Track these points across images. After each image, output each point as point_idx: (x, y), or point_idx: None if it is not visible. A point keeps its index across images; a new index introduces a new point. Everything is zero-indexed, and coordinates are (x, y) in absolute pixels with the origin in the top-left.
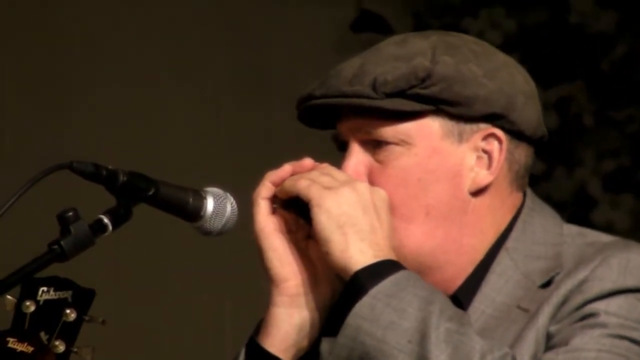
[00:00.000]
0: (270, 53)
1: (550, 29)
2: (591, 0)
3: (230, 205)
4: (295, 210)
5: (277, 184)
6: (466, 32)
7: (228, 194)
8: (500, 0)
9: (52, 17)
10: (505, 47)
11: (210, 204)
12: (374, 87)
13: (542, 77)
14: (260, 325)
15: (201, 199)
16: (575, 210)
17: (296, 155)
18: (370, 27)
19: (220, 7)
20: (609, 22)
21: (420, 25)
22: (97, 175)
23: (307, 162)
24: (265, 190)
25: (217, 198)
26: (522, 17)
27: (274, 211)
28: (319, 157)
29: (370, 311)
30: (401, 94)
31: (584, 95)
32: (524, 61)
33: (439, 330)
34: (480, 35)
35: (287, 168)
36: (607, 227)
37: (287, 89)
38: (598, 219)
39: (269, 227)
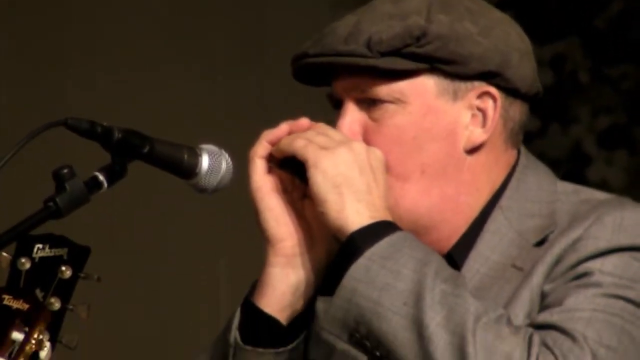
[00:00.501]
0: (265, 12)
1: None
2: None
3: (225, 162)
4: (291, 170)
5: (274, 143)
6: None
7: (223, 151)
8: None
9: None
10: (500, 4)
11: (205, 161)
12: (368, 46)
13: (537, 34)
14: (255, 285)
15: (196, 156)
16: (570, 167)
17: (291, 116)
18: None
19: None
20: None
21: None
22: (92, 132)
23: (304, 121)
24: (261, 149)
25: (212, 155)
26: None
27: (270, 170)
28: (314, 118)
29: (365, 273)
30: (396, 52)
31: (579, 52)
32: (518, 18)
33: (434, 292)
34: None
35: (284, 127)
36: (601, 184)
37: (282, 49)
38: (593, 176)
39: (265, 186)
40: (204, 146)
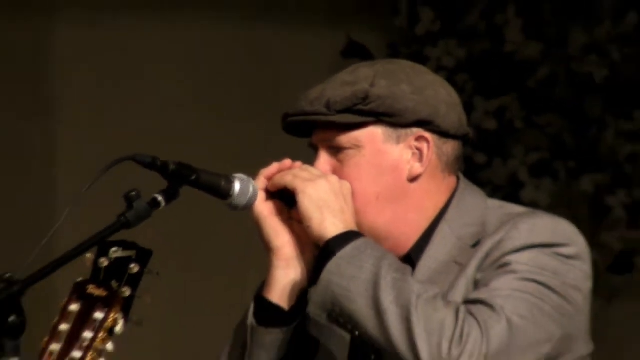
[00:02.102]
0: (277, 74)
1: (490, 56)
2: (521, 33)
3: (252, 187)
4: (281, 199)
5: (269, 177)
6: (428, 58)
7: (250, 179)
8: (454, 34)
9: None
10: (457, 69)
11: (237, 186)
12: (327, 106)
13: (484, 91)
14: (263, 284)
15: (230, 182)
16: (509, 191)
17: (293, 153)
18: (356, 54)
19: (233, 38)
20: (534, 50)
21: (393, 53)
22: (153, 165)
23: (287, 161)
24: (260, 183)
25: (242, 181)
26: (470, 46)
27: (266, 199)
28: (302, 159)
29: (337, 268)
30: (349, 110)
31: (516, 105)
32: (472, 79)
33: (387, 280)
34: (438, 60)
35: (275, 165)
36: (532, 204)
37: (286, 99)
38: (525, 198)
39: (265, 210)
40: (236, 175)
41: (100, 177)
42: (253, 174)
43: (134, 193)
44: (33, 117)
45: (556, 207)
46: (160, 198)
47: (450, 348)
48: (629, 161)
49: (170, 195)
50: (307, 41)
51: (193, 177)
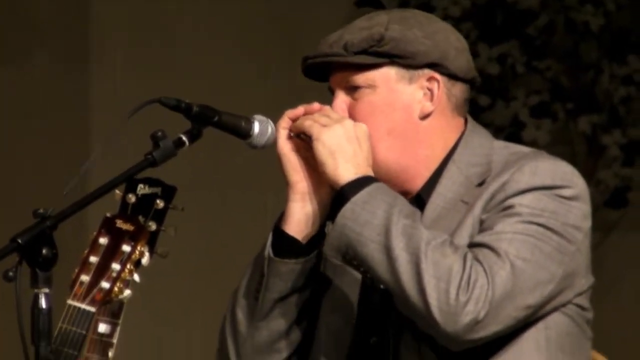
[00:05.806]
0: (294, 25)
1: (494, 5)
2: None
3: (270, 128)
4: (302, 138)
5: (293, 119)
6: (434, 7)
7: (269, 120)
8: None
9: None
10: (462, 18)
11: (256, 127)
12: (345, 48)
13: (488, 38)
14: (281, 216)
15: (250, 123)
16: (511, 131)
17: (316, 96)
18: (368, 3)
19: None
20: (534, 0)
21: (403, 3)
22: (178, 107)
23: (316, 105)
24: (284, 123)
25: (261, 122)
26: None
27: (290, 137)
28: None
29: (351, 213)
30: (364, 52)
31: (517, 51)
32: (476, 28)
33: (398, 226)
34: (444, 9)
35: (301, 108)
36: (532, 143)
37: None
38: (526, 137)
39: (286, 147)
40: (256, 116)
41: (130, 118)
42: (271, 116)
43: (160, 133)
44: (69, 61)
45: (555, 146)
46: (184, 138)
47: (457, 294)
48: (623, 103)
49: (194, 135)
50: None
51: (215, 118)
